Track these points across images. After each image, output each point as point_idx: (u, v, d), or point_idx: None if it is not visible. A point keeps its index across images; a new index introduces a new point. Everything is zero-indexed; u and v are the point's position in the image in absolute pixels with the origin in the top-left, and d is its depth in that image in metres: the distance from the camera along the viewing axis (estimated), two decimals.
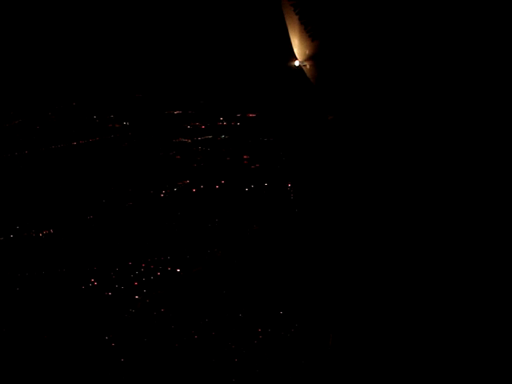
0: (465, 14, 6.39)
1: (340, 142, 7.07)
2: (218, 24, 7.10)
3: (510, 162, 6.40)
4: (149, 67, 7.22)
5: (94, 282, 6.15)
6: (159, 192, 6.57)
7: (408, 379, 5.99)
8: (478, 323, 6.12)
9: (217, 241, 6.39)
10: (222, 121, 7.01)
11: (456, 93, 6.55)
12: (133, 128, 7.01)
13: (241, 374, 5.70)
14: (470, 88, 6.50)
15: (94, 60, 7.17)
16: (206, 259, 6.27)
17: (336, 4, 6.77)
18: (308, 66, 7.01)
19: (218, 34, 7.10)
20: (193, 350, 5.86)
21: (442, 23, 6.50)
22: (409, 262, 6.46)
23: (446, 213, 6.55)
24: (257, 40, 7.02)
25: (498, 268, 6.25)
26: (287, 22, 6.91)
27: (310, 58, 6.96)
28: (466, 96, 6.53)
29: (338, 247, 6.44)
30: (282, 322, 5.92)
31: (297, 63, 7.02)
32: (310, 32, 6.85)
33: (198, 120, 7.07)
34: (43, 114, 7.09)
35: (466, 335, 6.10)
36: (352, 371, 5.97)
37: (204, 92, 7.17)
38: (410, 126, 6.76)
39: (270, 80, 7.12)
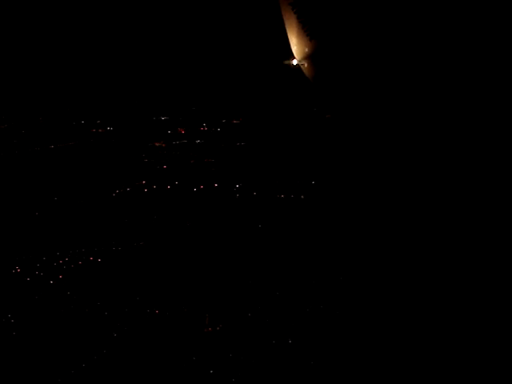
0: (464, 12, 6.44)
1: (338, 140, 7.15)
2: (214, 24, 7.06)
3: (509, 162, 6.49)
4: (145, 71, 7.19)
5: (17, 269, 6.70)
6: (112, 191, 7.04)
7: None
8: (478, 322, 6.18)
9: (147, 235, 6.91)
10: (204, 126, 7.30)
11: (452, 91, 6.65)
12: (115, 133, 7.25)
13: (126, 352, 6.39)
14: (466, 83, 6.63)
15: (90, 66, 7.17)
16: (129, 251, 6.83)
17: (334, 3, 6.77)
18: (306, 65, 7.03)
19: (215, 34, 7.06)
20: (90, 332, 6.44)
21: (438, 22, 6.60)
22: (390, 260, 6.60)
23: (444, 211, 6.64)
24: (255, 39, 7.01)
25: (497, 268, 6.34)
26: (285, 21, 6.91)
27: (308, 56, 6.99)
28: (461, 93, 6.64)
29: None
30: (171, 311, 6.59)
31: (295, 62, 7.04)
32: (308, 31, 6.87)
33: (182, 125, 7.30)
34: (33, 119, 7.20)
35: (463, 334, 6.17)
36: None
37: (198, 96, 7.27)
38: (407, 124, 6.84)
39: (268, 79, 7.15)
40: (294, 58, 7.02)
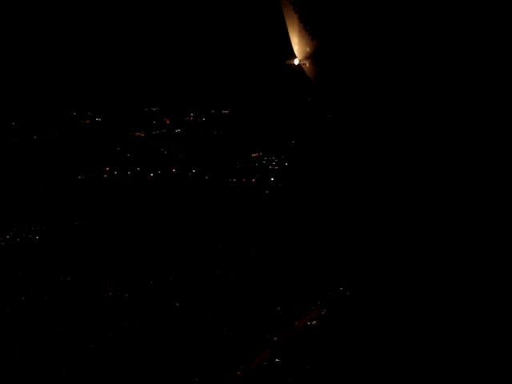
0: (464, 12, 6.50)
1: (340, 139, 7.19)
2: (216, 23, 7.03)
3: (509, 162, 6.55)
4: (144, 64, 7.19)
5: None
6: (74, 177, 7.18)
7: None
8: (477, 321, 6.05)
9: (92, 215, 7.00)
10: (191, 116, 7.35)
11: (454, 90, 6.66)
12: (101, 124, 7.33)
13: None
14: (468, 82, 6.60)
15: (87, 60, 7.15)
16: (71, 230, 6.96)
17: (336, 3, 6.78)
18: (308, 65, 7.05)
19: (216, 33, 7.03)
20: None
21: (439, 22, 6.61)
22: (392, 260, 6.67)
23: (444, 211, 6.63)
24: (257, 39, 6.99)
25: (497, 267, 6.28)
26: (287, 21, 6.90)
27: (310, 56, 7.00)
28: (463, 91, 6.63)
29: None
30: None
31: (296, 62, 7.05)
32: (310, 30, 6.87)
33: (169, 116, 7.36)
34: (26, 111, 7.28)
35: (463, 334, 6.02)
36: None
37: (198, 91, 7.29)
38: (408, 123, 6.89)
39: (270, 78, 7.15)
40: (296, 57, 7.03)
